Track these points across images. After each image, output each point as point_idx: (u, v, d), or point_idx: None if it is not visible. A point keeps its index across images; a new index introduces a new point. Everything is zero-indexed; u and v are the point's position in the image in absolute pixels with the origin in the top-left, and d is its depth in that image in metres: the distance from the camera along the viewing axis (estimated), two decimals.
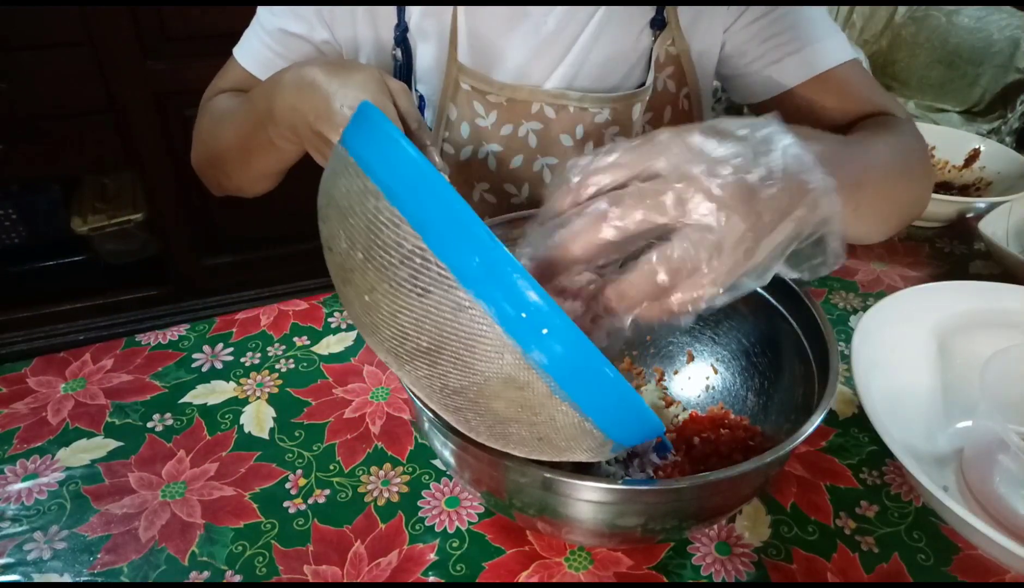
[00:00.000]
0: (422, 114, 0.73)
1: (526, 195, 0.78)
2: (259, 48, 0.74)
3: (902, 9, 2.13)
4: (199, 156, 0.78)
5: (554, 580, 0.49)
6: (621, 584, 0.49)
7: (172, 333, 0.70)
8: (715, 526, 0.53)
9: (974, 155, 1.00)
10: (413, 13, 0.71)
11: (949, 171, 1.01)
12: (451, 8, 0.70)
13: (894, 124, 0.67)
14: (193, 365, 0.66)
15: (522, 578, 0.49)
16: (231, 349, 0.68)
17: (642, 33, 0.72)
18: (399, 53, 0.72)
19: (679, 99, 0.76)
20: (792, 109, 0.72)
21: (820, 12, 0.72)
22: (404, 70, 0.73)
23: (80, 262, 1.89)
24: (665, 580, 0.50)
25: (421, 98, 0.74)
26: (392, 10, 0.71)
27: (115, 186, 1.88)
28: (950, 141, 1.02)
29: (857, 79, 0.72)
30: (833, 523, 0.54)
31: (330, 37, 0.73)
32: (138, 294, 1.85)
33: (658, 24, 0.71)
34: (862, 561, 0.51)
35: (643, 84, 0.74)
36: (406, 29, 0.71)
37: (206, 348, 0.68)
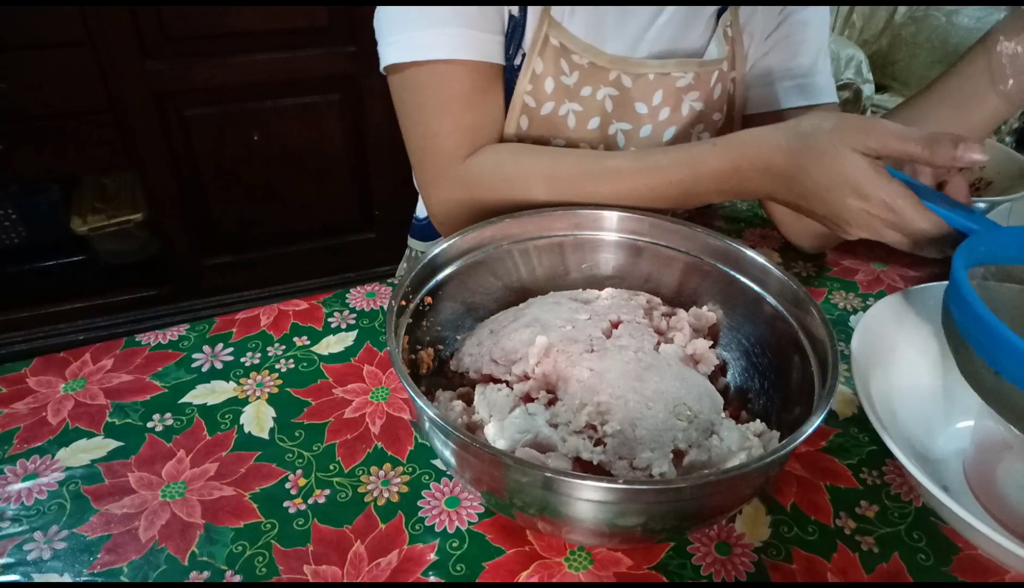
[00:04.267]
0: (515, 68, 0.73)
1: None
2: (452, 33, 0.67)
3: (902, 9, 2.13)
4: (488, 211, 0.69)
5: (554, 580, 0.49)
6: (621, 584, 0.49)
7: (172, 333, 0.70)
8: (715, 526, 0.53)
9: None
10: None
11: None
12: None
13: None
14: (193, 365, 0.66)
15: (522, 578, 0.49)
16: (231, 349, 0.68)
17: (710, 18, 0.76)
18: (515, 10, 0.71)
19: (727, 80, 0.80)
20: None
21: (822, 43, 0.79)
22: (520, 28, 0.72)
23: (80, 262, 1.89)
24: (665, 580, 0.50)
25: (524, 56, 0.74)
26: None
27: (115, 186, 1.88)
28: None
29: None
30: (833, 523, 0.54)
31: None
32: (138, 294, 1.85)
33: (719, 11, 0.77)
34: (862, 561, 0.51)
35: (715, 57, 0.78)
36: None
37: (206, 348, 0.68)
